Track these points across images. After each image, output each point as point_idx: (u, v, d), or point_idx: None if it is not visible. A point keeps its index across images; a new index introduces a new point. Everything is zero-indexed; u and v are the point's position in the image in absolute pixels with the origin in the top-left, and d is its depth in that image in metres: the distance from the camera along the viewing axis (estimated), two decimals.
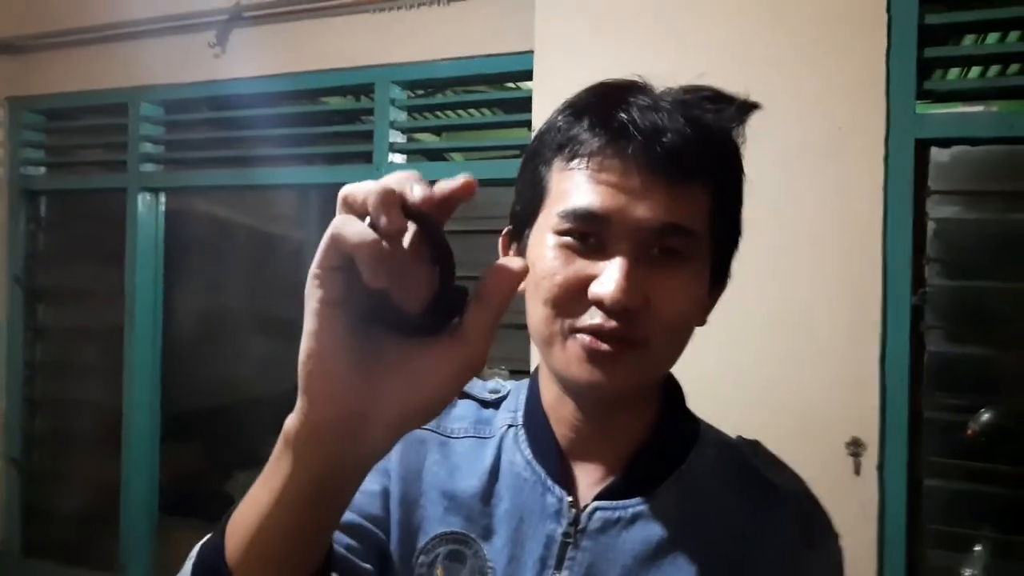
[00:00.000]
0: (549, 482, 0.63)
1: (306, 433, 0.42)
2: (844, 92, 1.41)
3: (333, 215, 0.40)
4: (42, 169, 2.57)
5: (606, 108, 0.58)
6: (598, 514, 0.62)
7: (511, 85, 1.99)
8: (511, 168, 1.82)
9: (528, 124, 1.72)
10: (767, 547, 0.62)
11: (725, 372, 1.43)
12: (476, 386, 0.72)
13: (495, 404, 0.70)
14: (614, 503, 0.62)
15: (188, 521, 2.76)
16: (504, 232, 0.69)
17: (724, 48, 1.48)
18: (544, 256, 0.59)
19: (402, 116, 2.02)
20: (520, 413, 0.68)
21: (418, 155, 2.10)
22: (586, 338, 0.57)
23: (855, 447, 1.39)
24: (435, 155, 2.10)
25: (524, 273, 0.42)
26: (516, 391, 0.71)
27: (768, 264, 1.41)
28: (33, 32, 2.35)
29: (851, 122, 1.41)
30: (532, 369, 0.72)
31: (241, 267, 2.88)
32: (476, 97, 2.02)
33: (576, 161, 0.58)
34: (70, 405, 2.58)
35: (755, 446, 0.69)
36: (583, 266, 0.57)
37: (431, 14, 1.91)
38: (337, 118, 2.19)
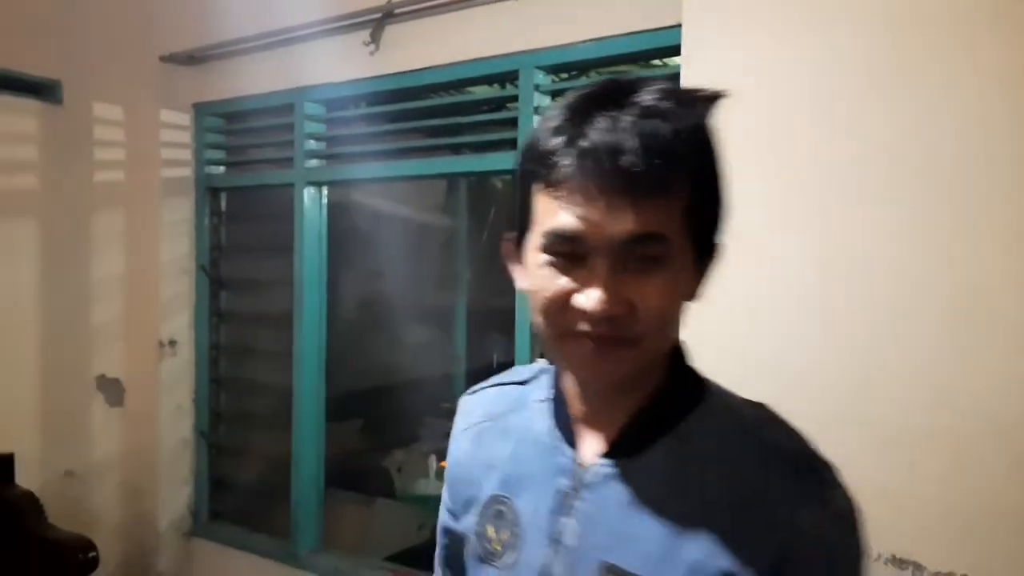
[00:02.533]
0: (563, 446, 0.75)
1: None
2: None
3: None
4: (222, 168, 2.82)
5: (572, 131, 0.64)
6: (594, 470, 0.72)
7: (658, 62, 1.92)
8: None
9: None
10: (762, 503, 0.65)
11: (896, 367, 1.30)
12: (514, 372, 0.87)
13: (528, 381, 0.84)
14: (609, 461, 0.71)
15: (350, 495, 2.95)
16: (510, 237, 0.75)
17: (890, 17, 1.34)
18: (534, 273, 0.68)
19: (546, 101, 2.01)
20: (549, 391, 0.80)
21: None
22: (583, 340, 0.65)
23: None
24: None
25: None
26: (548, 373, 0.82)
27: (946, 250, 1.27)
28: (211, 43, 2.58)
29: None
30: None
31: (397, 255, 3.02)
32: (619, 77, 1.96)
33: (551, 187, 0.65)
34: (248, 385, 2.82)
35: (762, 407, 0.73)
36: (568, 280, 0.65)
37: None
38: (484, 107, 2.22)
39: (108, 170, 2.81)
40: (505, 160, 2.04)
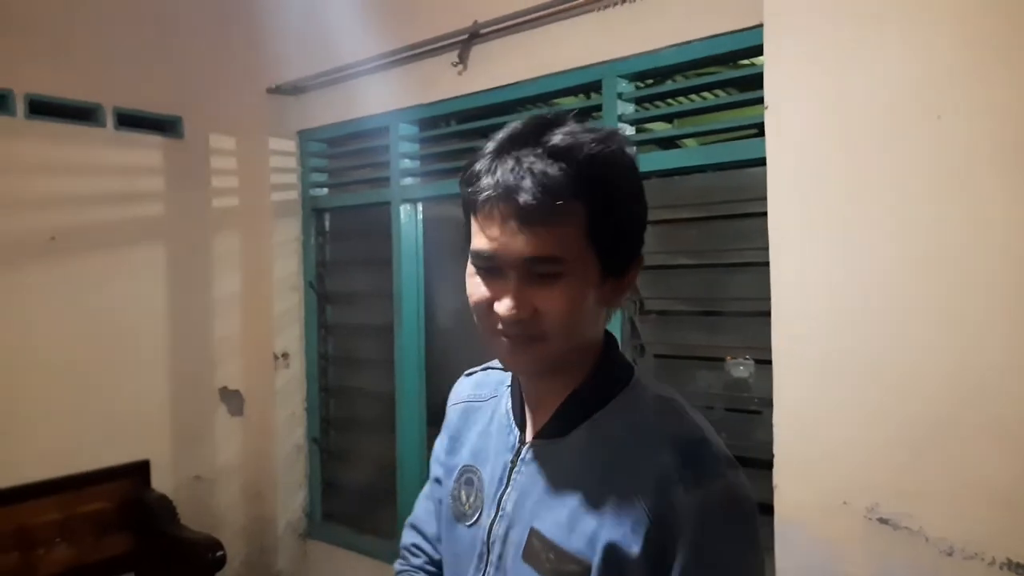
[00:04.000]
0: (513, 425, 0.90)
1: None
2: None
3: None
4: (325, 190, 2.99)
5: (489, 168, 0.77)
6: (530, 449, 0.87)
7: (745, 62, 1.91)
8: (747, 149, 1.77)
9: (761, 100, 1.64)
10: (649, 482, 0.76)
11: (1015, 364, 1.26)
12: None
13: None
14: (543, 441, 0.86)
15: None
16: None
17: (982, 5, 1.30)
18: (468, 282, 0.82)
19: (630, 108, 2.04)
20: (509, 379, 0.95)
21: (649, 145, 2.10)
22: (503, 338, 0.80)
23: None
24: (667, 143, 2.09)
25: None
26: None
27: None
28: (312, 73, 2.75)
29: None
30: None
31: None
32: (703, 80, 1.96)
33: (475, 213, 0.79)
34: (355, 392, 2.97)
35: (669, 401, 0.84)
36: (487, 289, 0.80)
37: (653, 3, 1.90)
38: None
39: (224, 196, 3.04)
40: None
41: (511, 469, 0.87)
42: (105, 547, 2.55)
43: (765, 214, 1.54)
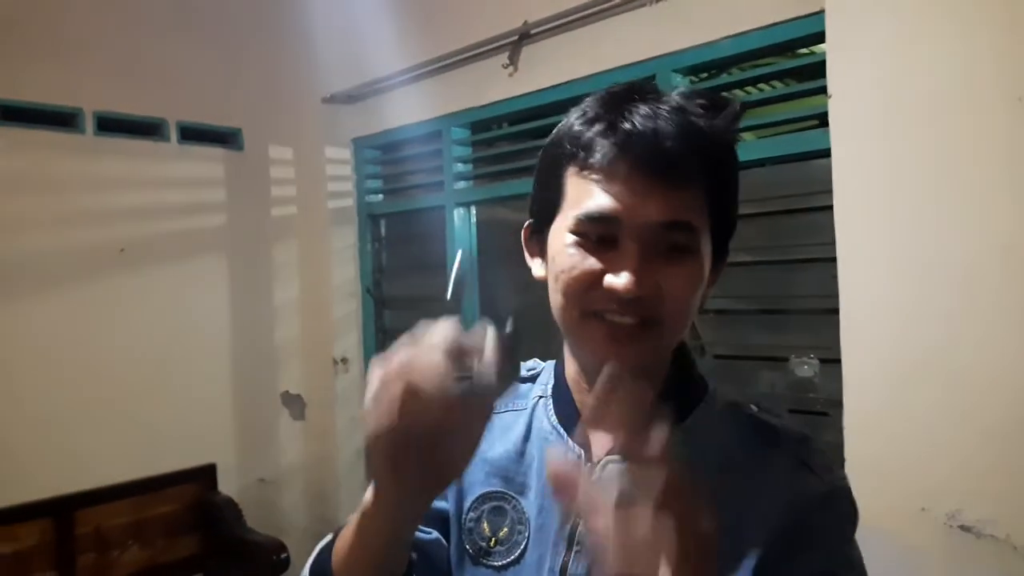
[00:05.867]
0: (570, 442, 0.73)
1: (381, 504, 0.62)
2: None
3: None
4: (380, 196, 3.02)
5: (612, 117, 0.65)
6: (608, 466, 0.67)
7: (805, 51, 1.84)
8: (809, 141, 1.70)
9: (824, 90, 1.58)
10: (764, 479, 0.67)
11: None
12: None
13: (531, 379, 0.82)
14: (620, 459, 0.66)
15: None
16: (526, 226, 0.78)
17: None
18: (563, 252, 0.67)
19: None
20: (549, 386, 0.79)
21: None
22: (606, 321, 0.66)
23: None
24: None
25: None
26: (549, 368, 0.83)
27: None
28: (365, 81, 2.78)
29: None
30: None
31: None
32: (761, 71, 1.89)
33: (588, 170, 0.66)
34: None
35: (756, 402, 0.74)
36: (597, 261, 0.65)
37: None
38: None
39: (282, 205, 3.11)
40: None
41: None
42: (175, 549, 2.63)
43: (829, 207, 1.48)
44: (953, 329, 1.32)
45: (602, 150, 0.65)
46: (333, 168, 3.03)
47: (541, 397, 0.80)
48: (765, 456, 0.69)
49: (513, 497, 0.76)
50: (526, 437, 0.78)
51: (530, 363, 0.86)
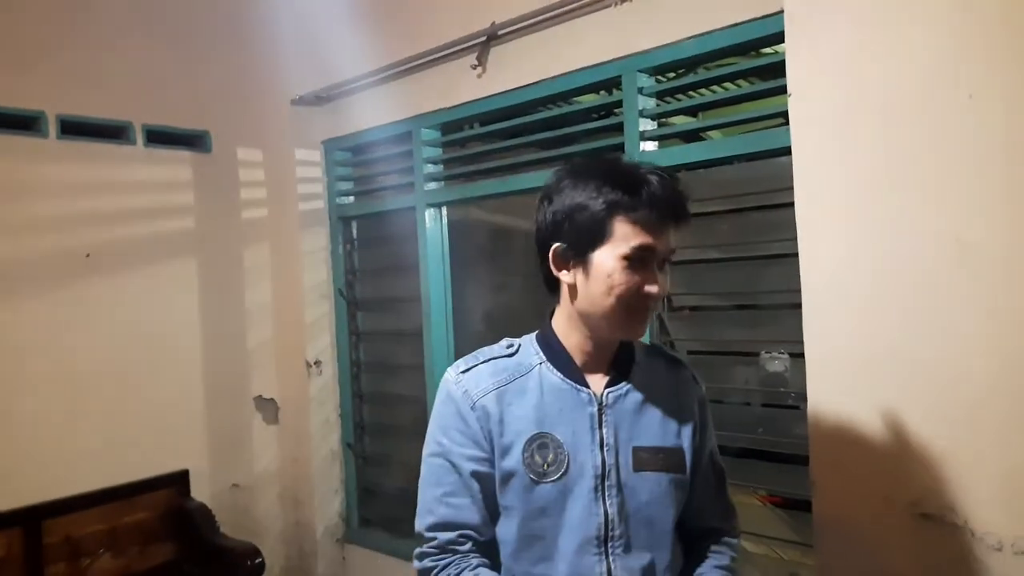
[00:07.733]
0: (578, 387, 1.13)
1: None
2: None
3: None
4: (351, 198, 3.01)
5: (640, 184, 1.05)
6: (609, 395, 1.13)
7: (768, 50, 1.87)
8: (773, 138, 1.73)
9: (785, 89, 1.61)
10: (687, 390, 1.21)
11: None
12: (495, 348, 1.18)
13: (515, 353, 1.17)
14: (615, 387, 1.14)
15: None
16: (555, 249, 1.10)
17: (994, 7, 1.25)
18: (619, 270, 1.05)
19: (651, 103, 2.01)
20: (543, 354, 1.16)
21: (672, 139, 2.07)
22: (642, 311, 1.09)
23: None
24: (691, 136, 2.06)
25: None
26: (526, 343, 1.18)
27: None
28: (334, 83, 2.77)
29: None
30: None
31: (517, 267, 3.08)
32: (724, 71, 1.92)
33: (634, 215, 1.04)
34: (388, 398, 2.98)
35: (660, 346, 1.38)
36: (638, 276, 1.06)
37: None
38: (592, 115, 2.24)
39: (252, 208, 3.08)
40: None
41: (600, 415, 1.11)
42: (148, 556, 2.60)
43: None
44: (912, 322, 1.35)
45: (642, 207, 1.03)
46: (303, 170, 3.02)
47: (541, 363, 1.14)
48: (677, 372, 1.22)
49: (548, 434, 1.10)
50: (541, 392, 1.12)
51: (504, 342, 1.19)
